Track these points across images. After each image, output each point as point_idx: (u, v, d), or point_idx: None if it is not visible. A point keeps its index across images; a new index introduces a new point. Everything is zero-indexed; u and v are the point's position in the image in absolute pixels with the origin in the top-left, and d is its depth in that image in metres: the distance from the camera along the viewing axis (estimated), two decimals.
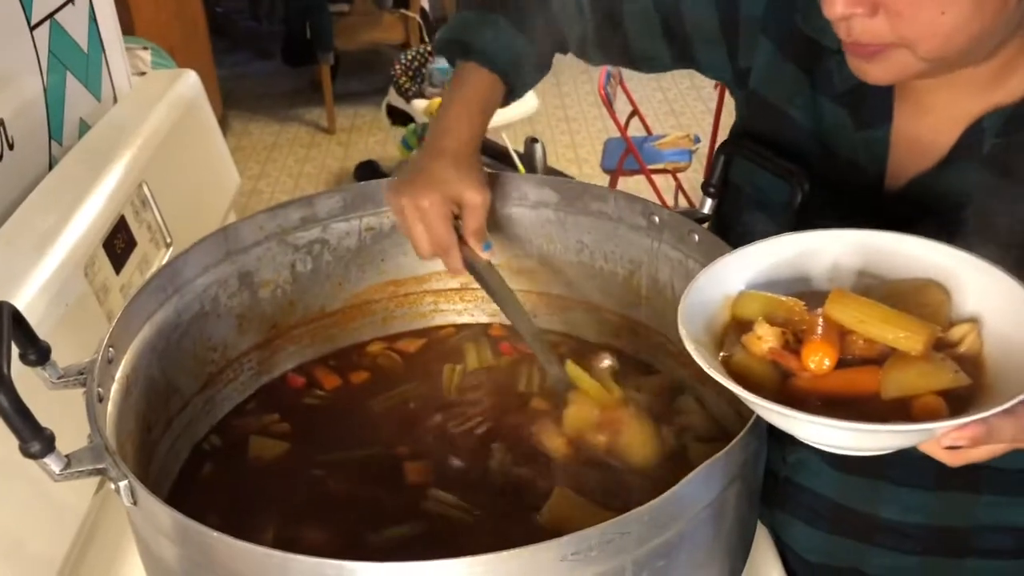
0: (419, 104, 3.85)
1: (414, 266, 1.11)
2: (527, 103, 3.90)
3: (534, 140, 1.01)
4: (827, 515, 0.95)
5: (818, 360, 0.63)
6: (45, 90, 1.21)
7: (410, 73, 3.96)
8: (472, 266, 0.97)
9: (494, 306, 1.14)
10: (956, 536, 0.91)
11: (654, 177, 3.66)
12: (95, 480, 0.95)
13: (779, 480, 0.97)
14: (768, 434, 0.75)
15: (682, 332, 0.65)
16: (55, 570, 0.85)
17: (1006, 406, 0.57)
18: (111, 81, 1.40)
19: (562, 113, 4.95)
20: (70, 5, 1.27)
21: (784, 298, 0.69)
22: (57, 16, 1.23)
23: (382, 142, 4.80)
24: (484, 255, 0.96)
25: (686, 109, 4.99)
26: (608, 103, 3.49)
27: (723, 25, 0.94)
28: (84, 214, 1.06)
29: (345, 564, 0.60)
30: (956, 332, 0.66)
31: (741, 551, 0.79)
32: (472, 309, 1.15)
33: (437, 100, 3.69)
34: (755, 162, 0.92)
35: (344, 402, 1.04)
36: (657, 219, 0.98)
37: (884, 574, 0.96)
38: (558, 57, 1.07)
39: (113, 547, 0.96)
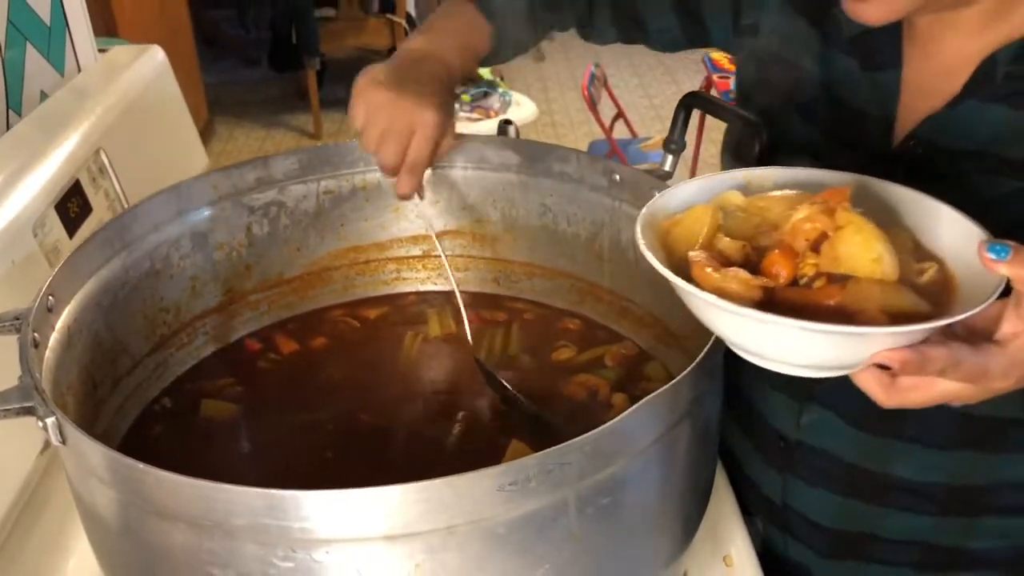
0: None
1: (375, 232, 1.10)
2: (526, 110, 3.89)
3: (507, 122, 1.00)
4: (841, 477, 0.92)
5: (776, 272, 0.61)
6: (3, 60, 1.19)
7: None
8: None
9: (459, 274, 1.13)
10: (973, 494, 0.88)
11: None
12: (39, 441, 0.92)
13: (791, 444, 0.94)
14: (766, 381, 0.72)
15: (638, 234, 0.64)
16: None
17: (938, 323, 0.55)
18: (75, 55, 1.38)
19: (548, 119, 4.95)
20: None
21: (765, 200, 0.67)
22: None
23: None
24: None
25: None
26: (592, 104, 3.48)
27: None
28: (37, 175, 1.04)
29: (275, 492, 0.57)
30: (920, 267, 0.64)
31: (695, 501, 0.77)
32: (435, 277, 1.13)
33: None
34: (714, 114, 0.91)
35: (301, 367, 1.02)
36: (618, 177, 0.97)
37: (899, 537, 0.93)
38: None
39: (62, 513, 0.93)
